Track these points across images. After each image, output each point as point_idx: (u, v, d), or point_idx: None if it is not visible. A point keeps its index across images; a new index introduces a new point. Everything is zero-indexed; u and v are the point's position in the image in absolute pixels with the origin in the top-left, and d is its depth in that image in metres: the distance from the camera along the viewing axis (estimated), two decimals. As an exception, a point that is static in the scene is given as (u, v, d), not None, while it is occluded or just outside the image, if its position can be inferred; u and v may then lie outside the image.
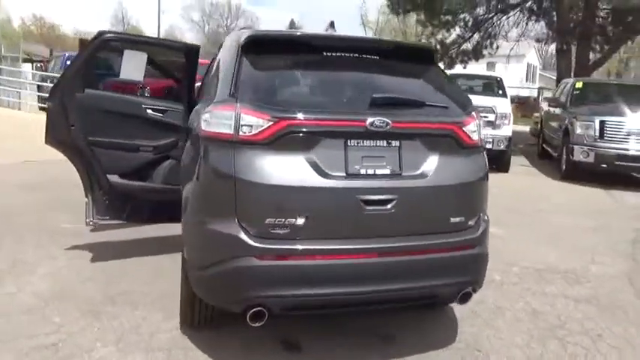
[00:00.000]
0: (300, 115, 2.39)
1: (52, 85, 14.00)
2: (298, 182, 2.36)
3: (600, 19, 14.35)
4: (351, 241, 2.43)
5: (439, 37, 16.07)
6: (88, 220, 3.76)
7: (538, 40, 17.22)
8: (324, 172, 2.39)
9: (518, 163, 9.99)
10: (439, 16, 15.10)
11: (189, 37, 50.31)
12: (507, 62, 19.76)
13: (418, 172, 2.54)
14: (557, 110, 10.01)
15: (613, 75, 26.76)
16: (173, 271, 3.40)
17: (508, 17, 16.08)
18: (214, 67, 3.21)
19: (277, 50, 2.71)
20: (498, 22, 16.06)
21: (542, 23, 15.91)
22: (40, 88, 15.22)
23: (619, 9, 13.14)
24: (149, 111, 3.69)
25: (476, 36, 16.05)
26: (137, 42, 4.07)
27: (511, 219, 5.49)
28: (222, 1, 55.10)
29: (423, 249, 2.52)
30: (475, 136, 2.68)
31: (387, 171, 2.49)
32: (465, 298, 2.71)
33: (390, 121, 2.45)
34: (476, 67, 17.90)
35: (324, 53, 2.73)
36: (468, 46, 16.15)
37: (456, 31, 16.16)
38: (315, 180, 2.37)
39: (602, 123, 8.19)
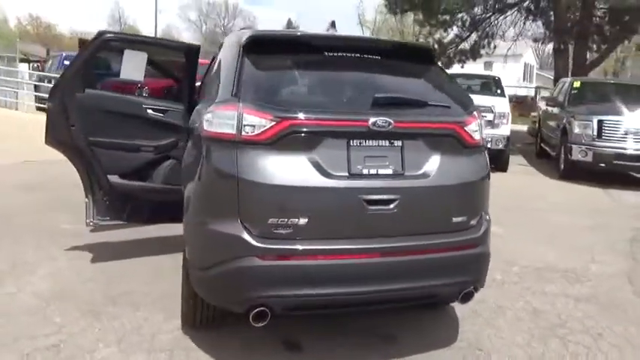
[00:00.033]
0: (302, 115, 2.39)
1: (49, 84, 14.01)
2: (301, 182, 2.36)
3: (597, 19, 14.41)
4: (353, 241, 2.43)
5: (437, 36, 16.10)
6: (88, 221, 3.75)
7: (535, 40, 17.29)
8: (326, 172, 2.39)
9: (516, 163, 10.02)
10: (437, 15, 15.12)
11: (186, 36, 50.29)
12: (505, 62, 19.75)
13: (420, 171, 2.54)
14: (555, 110, 10.04)
15: (610, 74, 26.83)
16: (173, 272, 3.40)
17: (506, 17, 16.13)
18: (215, 68, 3.21)
19: (278, 50, 2.71)
20: (496, 22, 16.09)
21: (540, 23, 15.98)
22: (37, 88, 15.17)
23: (616, 8, 13.19)
24: (149, 111, 3.68)
25: (473, 36, 16.08)
26: (137, 42, 4.06)
27: (510, 218, 5.50)
28: (219, 0, 55.10)
29: (426, 249, 2.53)
30: (477, 136, 2.69)
31: (389, 171, 2.50)
32: (466, 298, 2.71)
33: (392, 121, 2.45)
34: (473, 67, 17.92)
35: (326, 53, 2.73)
36: (465, 45, 16.19)
37: (454, 31, 16.19)
38: (317, 180, 2.37)
39: (600, 122, 8.22)
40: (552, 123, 9.99)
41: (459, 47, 16.16)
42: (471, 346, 2.93)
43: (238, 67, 2.57)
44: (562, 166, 8.75)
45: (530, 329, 3.16)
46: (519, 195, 7.27)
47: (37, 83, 15.54)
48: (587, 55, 14.51)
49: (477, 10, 15.65)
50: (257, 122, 2.36)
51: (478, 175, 2.71)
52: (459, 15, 15.47)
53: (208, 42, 37.07)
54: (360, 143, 2.46)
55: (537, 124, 11.69)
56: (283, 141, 2.36)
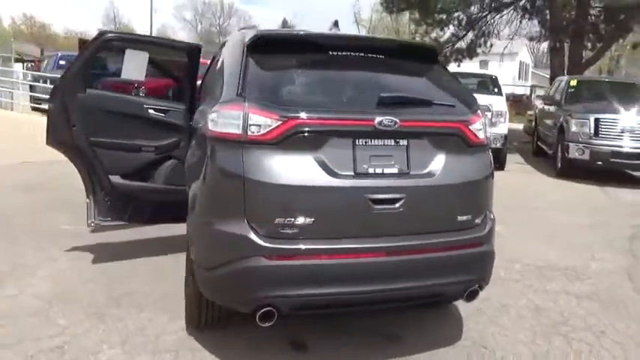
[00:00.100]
0: (308, 115, 2.39)
1: (44, 84, 13.91)
2: (307, 182, 2.35)
3: (593, 17, 14.47)
4: (359, 241, 2.43)
5: (433, 35, 16.10)
6: (89, 222, 3.74)
7: (531, 39, 17.31)
8: (332, 172, 2.39)
9: (514, 161, 10.05)
10: (433, 14, 15.12)
11: (182, 35, 50.10)
12: (501, 60, 19.80)
13: (426, 170, 2.55)
14: (552, 108, 10.07)
15: (604, 72, 26.95)
16: (174, 272, 3.39)
17: (502, 16, 16.15)
18: (217, 67, 3.18)
19: (283, 50, 2.70)
20: (492, 21, 16.12)
21: (536, 21, 16.01)
22: (32, 88, 15.08)
23: (611, 7, 13.25)
24: (151, 111, 3.67)
25: (470, 34, 16.10)
26: (138, 42, 4.04)
27: (509, 216, 5.51)
28: (214, -1, 54.92)
29: (431, 247, 2.53)
30: (481, 135, 2.70)
31: (395, 170, 2.50)
32: (471, 296, 2.72)
33: (398, 120, 2.45)
34: (469, 66, 17.94)
35: (330, 52, 2.73)
36: (462, 44, 16.20)
37: (450, 30, 16.23)
38: (324, 179, 2.36)
39: (596, 120, 8.26)
40: (549, 121, 10.02)
41: (456, 46, 16.18)
42: (476, 344, 2.94)
43: (243, 66, 2.56)
44: (559, 164, 8.79)
45: (533, 327, 3.18)
46: (517, 193, 7.28)
47: (32, 83, 15.44)
48: (583, 54, 14.57)
49: (474, 8, 15.66)
50: (263, 122, 2.35)
51: (482, 173, 2.72)
52: (456, 14, 15.48)
53: (204, 41, 36.93)
54: (365, 142, 2.46)
55: (534, 123, 11.72)
56: (289, 140, 2.35)
